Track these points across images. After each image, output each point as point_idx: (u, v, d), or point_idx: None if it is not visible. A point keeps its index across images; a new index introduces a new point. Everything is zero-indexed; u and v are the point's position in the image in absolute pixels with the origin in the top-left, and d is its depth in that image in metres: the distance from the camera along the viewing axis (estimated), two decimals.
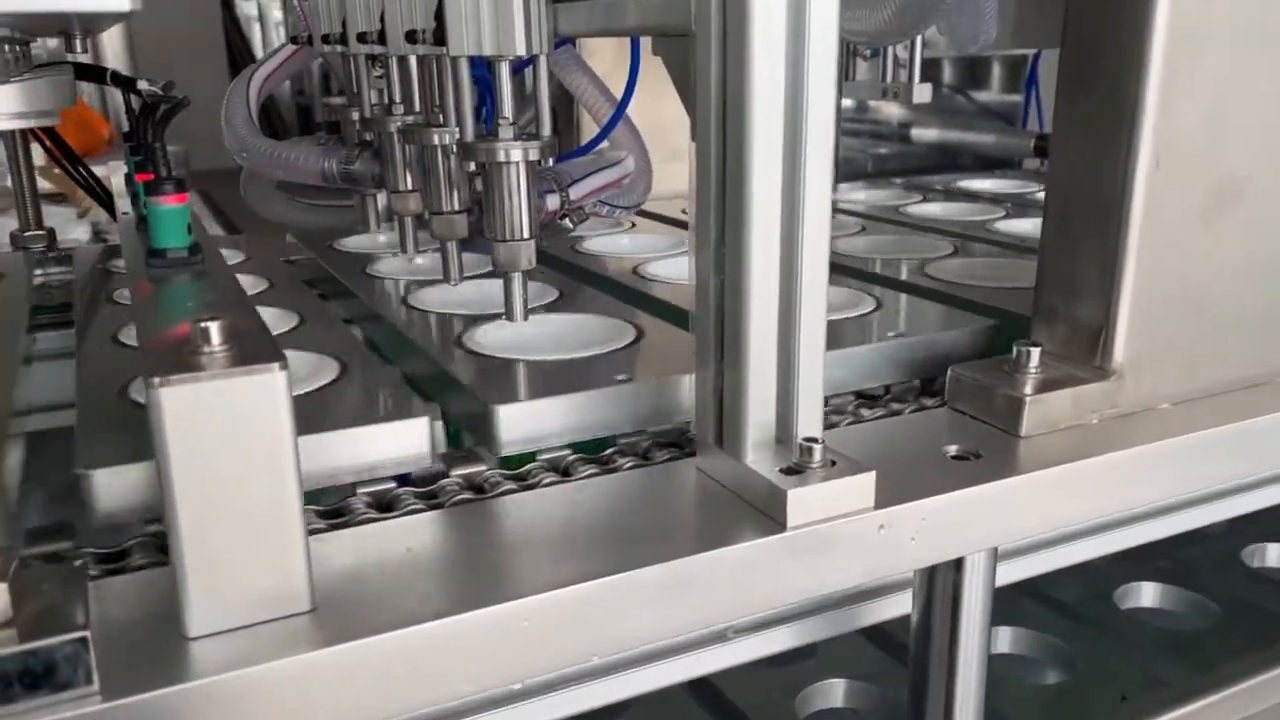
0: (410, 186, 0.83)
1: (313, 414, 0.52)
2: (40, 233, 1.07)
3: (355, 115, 0.90)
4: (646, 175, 0.96)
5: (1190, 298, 0.61)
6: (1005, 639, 0.92)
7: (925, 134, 1.64)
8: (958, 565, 0.56)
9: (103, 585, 0.44)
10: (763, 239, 0.48)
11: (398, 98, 0.81)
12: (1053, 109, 0.61)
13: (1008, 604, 0.83)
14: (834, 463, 0.49)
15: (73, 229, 1.81)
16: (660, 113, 1.21)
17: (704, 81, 0.48)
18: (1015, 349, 0.60)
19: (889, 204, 1.25)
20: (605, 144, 0.90)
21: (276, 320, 0.69)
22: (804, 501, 0.47)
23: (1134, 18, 0.55)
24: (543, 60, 0.61)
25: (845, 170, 1.62)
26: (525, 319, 0.66)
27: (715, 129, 0.48)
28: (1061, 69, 0.60)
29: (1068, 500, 0.56)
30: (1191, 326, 0.61)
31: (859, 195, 1.33)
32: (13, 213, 1.01)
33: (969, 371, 0.61)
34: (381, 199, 0.99)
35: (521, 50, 0.59)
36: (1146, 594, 0.92)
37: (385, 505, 0.52)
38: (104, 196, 1.15)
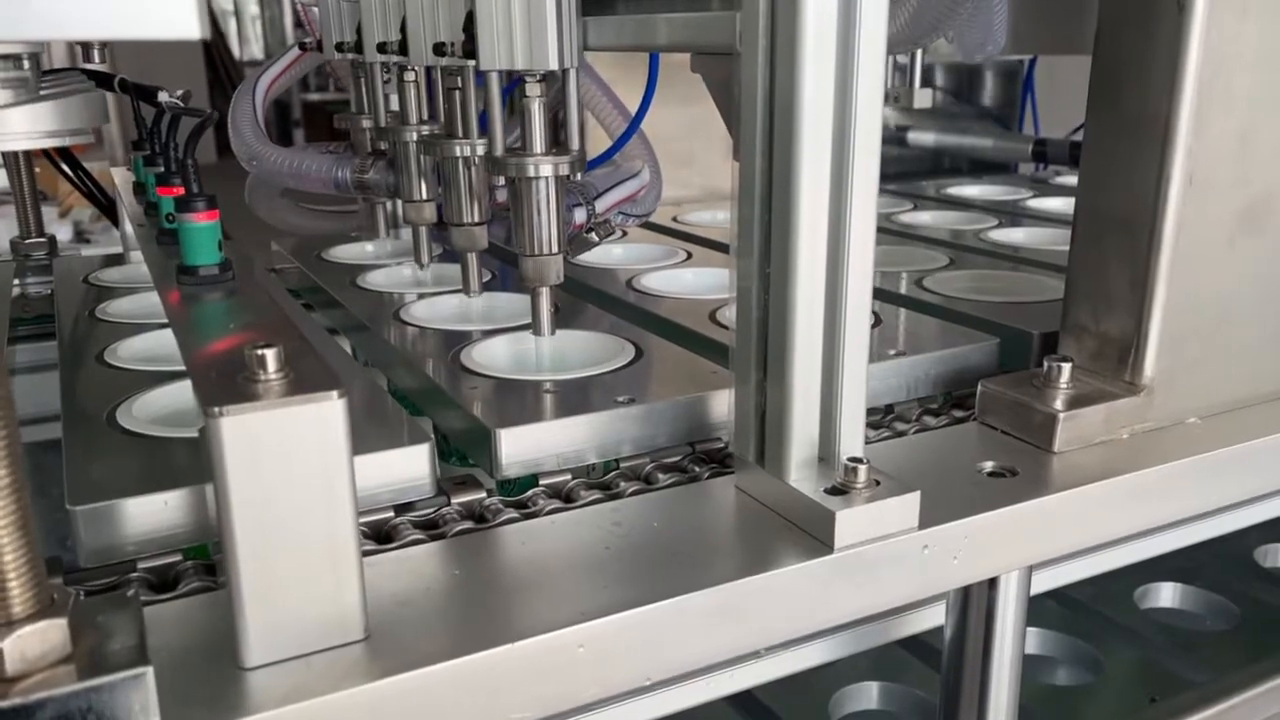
0: (425, 196, 0.82)
1: None
2: (41, 240, 1.05)
3: (367, 124, 0.90)
4: (658, 185, 0.96)
5: (1218, 314, 0.61)
6: (1031, 640, 0.93)
7: (922, 138, 1.64)
8: (992, 582, 0.56)
9: (150, 614, 0.43)
10: (809, 256, 0.48)
11: (413, 107, 0.81)
12: (1082, 120, 0.62)
13: (1032, 606, 0.83)
14: (878, 482, 0.49)
15: (54, 228, 1.78)
16: (657, 121, 1.21)
17: (749, 99, 0.48)
18: (1046, 364, 0.60)
19: (882, 211, 1.25)
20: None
21: None
22: (851, 522, 0.47)
23: (1168, 36, 0.55)
24: (573, 74, 0.61)
25: None
26: (553, 333, 0.66)
27: (761, 145, 0.48)
28: (1092, 85, 0.60)
29: (1102, 516, 0.56)
30: (1219, 342, 0.62)
31: None
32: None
33: (999, 386, 0.61)
34: (390, 206, 0.98)
35: (554, 65, 0.58)
36: (1165, 594, 0.93)
37: (386, 535, 0.51)
38: (104, 203, 1.13)
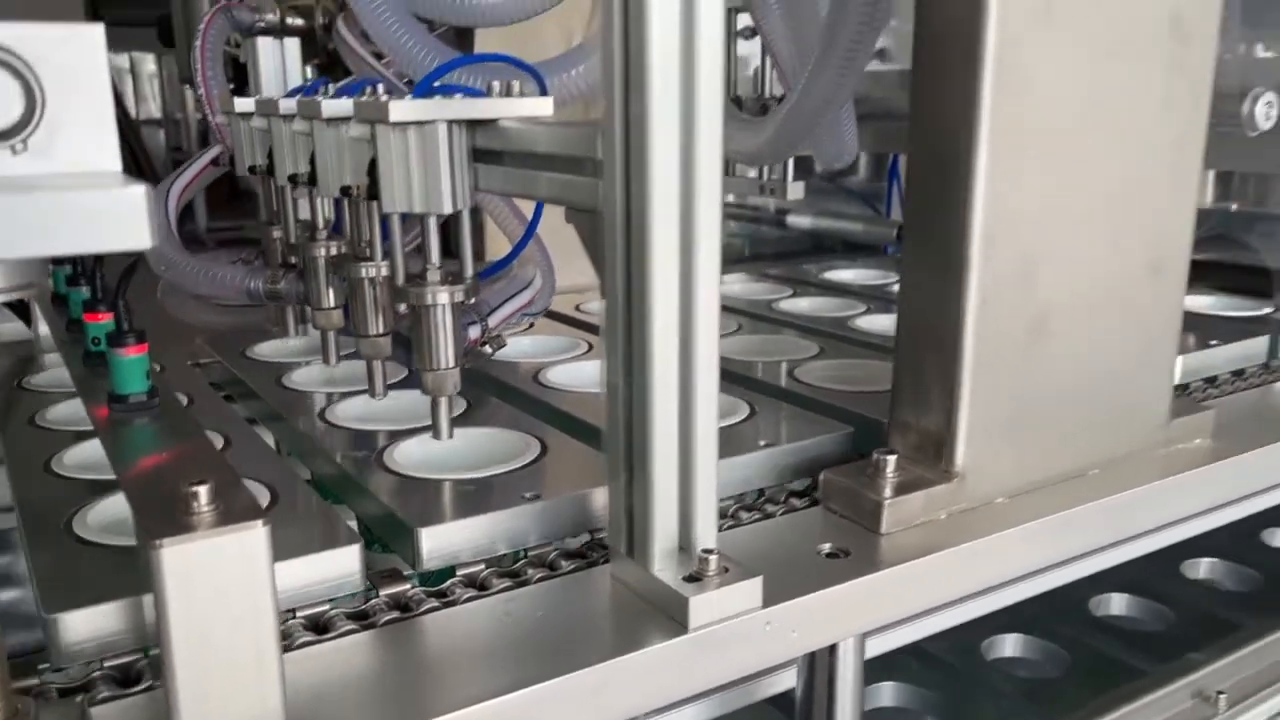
0: (334, 304, 0.89)
1: None
2: None
3: (278, 235, 0.97)
4: (550, 281, 1.05)
5: (1018, 409, 0.73)
6: (889, 694, 1.04)
7: (800, 221, 1.78)
8: (832, 648, 0.65)
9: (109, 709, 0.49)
10: (663, 361, 0.56)
11: (322, 222, 0.88)
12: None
13: (891, 660, 0.93)
14: (727, 569, 0.58)
15: None
16: (557, 211, 1.31)
17: (611, 248, 0.57)
18: (875, 456, 0.71)
19: (764, 298, 1.37)
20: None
21: None
22: (703, 606, 0.56)
23: (959, 195, 0.67)
24: (465, 213, 0.70)
25: (727, 254, 1.75)
26: (451, 436, 0.74)
27: (621, 259, 0.56)
28: (905, 219, 0.72)
29: (923, 587, 0.66)
30: (1020, 433, 0.73)
31: (736, 289, 1.44)
32: None
33: (837, 475, 0.72)
34: (300, 308, 1.05)
35: (448, 209, 0.67)
36: (1009, 645, 1.05)
37: (324, 626, 0.58)
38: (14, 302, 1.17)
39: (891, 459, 0.70)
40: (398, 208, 0.67)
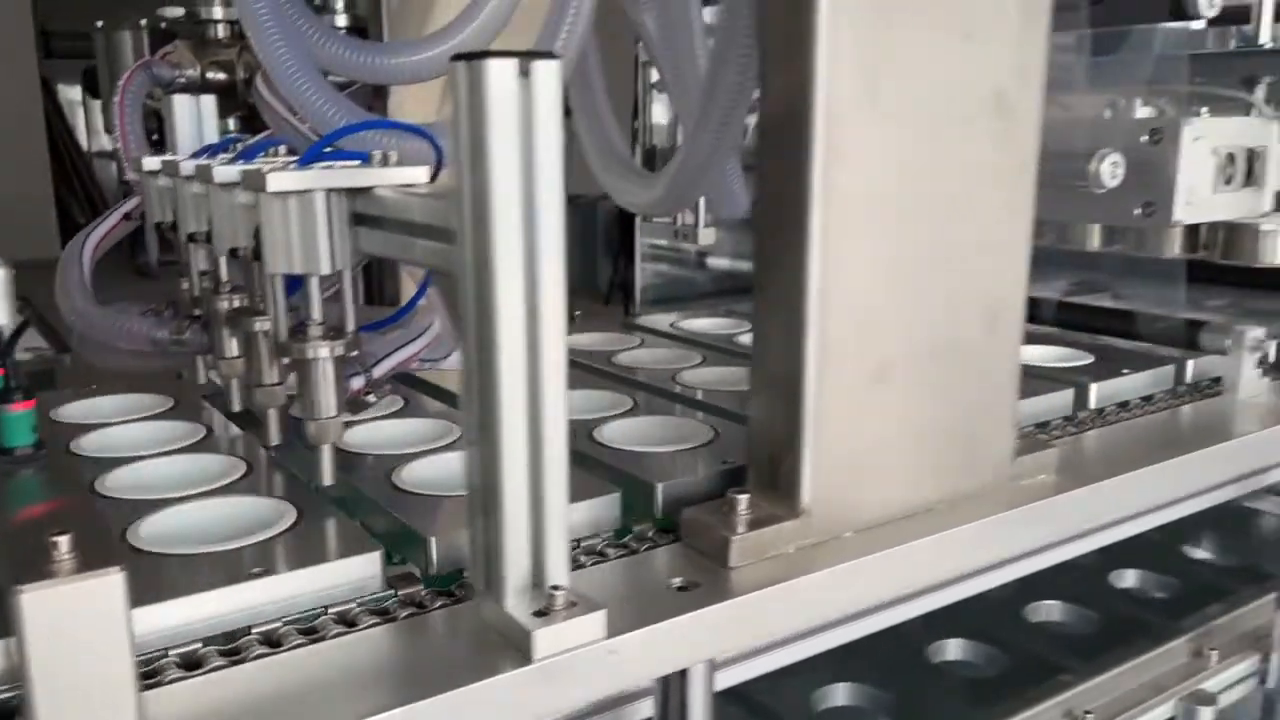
0: (236, 354, 0.94)
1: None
2: None
3: (185, 286, 1.01)
4: (455, 329, 1.10)
5: (861, 450, 0.79)
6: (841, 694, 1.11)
7: (719, 262, 1.85)
8: (683, 674, 0.71)
9: None
10: (512, 424, 0.62)
11: (224, 276, 0.93)
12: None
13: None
14: (575, 604, 0.64)
15: None
16: None
17: (465, 310, 0.62)
18: (728, 494, 0.77)
19: (725, 332, 1.42)
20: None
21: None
22: (547, 638, 0.61)
23: (797, 256, 0.73)
24: (347, 272, 0.75)
25: (652, 295, 1.82)
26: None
27: (474, 345, 0.62)
28: (755, 270, 0.78)
29: (765, 617, 0.72)
30: (865, 473, 0.79)
31: (700, 324, 1.49)
32: None
33: (696, 513, 0.77)
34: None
35: (326, 269, 0.73)
36: (839, 694, 1.11)
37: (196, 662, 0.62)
38: None
39: (744, 497, 0.76)
40: (279, 269, 0.72)
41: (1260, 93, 1.44)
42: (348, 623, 0.67)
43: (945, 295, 0.81)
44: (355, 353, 0.76)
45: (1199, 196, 1.10)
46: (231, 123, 1.44)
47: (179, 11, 1.43)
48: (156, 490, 0.75)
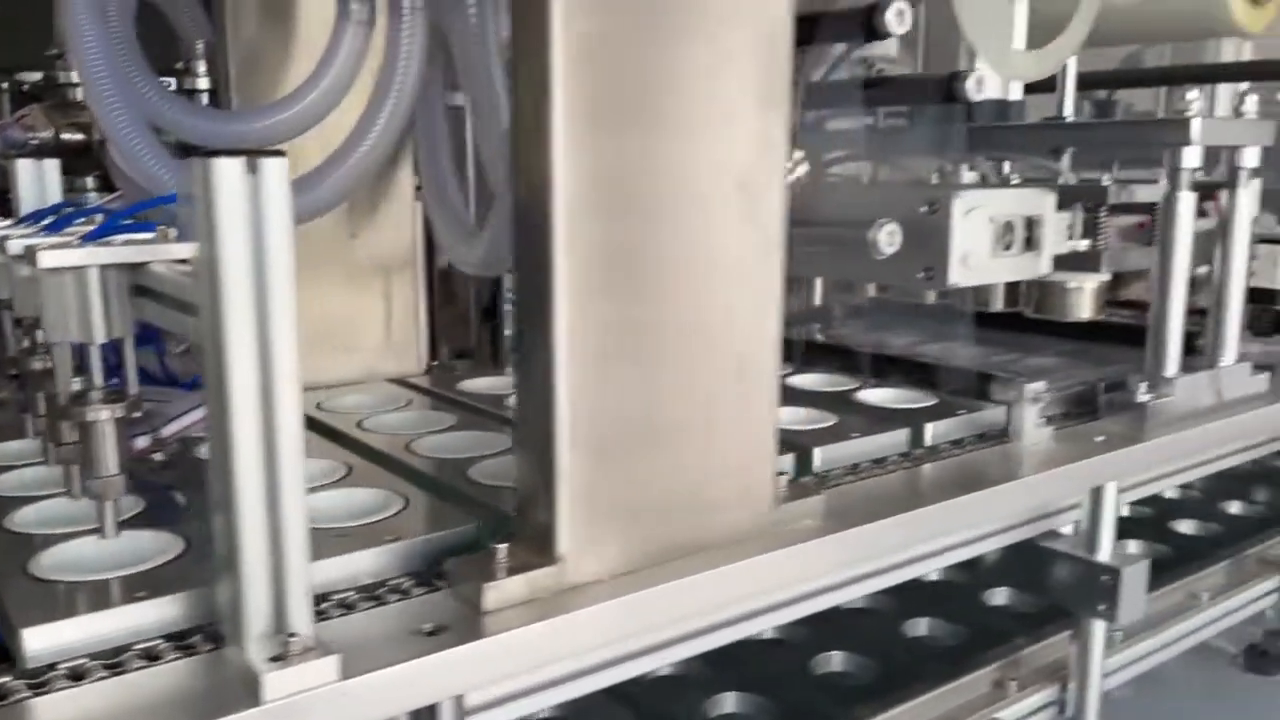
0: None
1: None
2: None
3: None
4: None
5: (618, 502, 0.86)
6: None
7: None
8: (432, 710, 0.77)
9: None
10: (248, 491, 0.68)
11: (40, 339, 0.98)
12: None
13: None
14: (310, 649, 0.69)
15: None
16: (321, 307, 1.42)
17: (208, 379, 0.68)
18: (490, 546, 0.83)
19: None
20: None
21: None
22: (276, 681, 0.67)
23: (544, 323, 0.80)
24: (128, 340, 0.80)
25: None
26: (117, 535, 0.83)
27: (216, 411, 0.68)
28: (511, 343, 0.85)
29: (513, 657, 0.78)
30: (621, 522, 0.86)
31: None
32: None
33: (459, 563, 0.84)
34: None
35: (101, 339, 0.78)
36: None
37: None
38: None
39: (503, 547, 0.83)
40: (56, 337, 0.78)
41: (1065, 160, 1.56)
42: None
43: (698, 357, 0.89)
44: (138, 414, 0.82)
45: (977, 261, 1.20)
46: (90, 181, 1.49)
47: (37, 75, 1.47)
48: None
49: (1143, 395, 1.32)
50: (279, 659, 0.68)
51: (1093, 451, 1.24)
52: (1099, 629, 1.30)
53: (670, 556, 0.89)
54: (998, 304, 1.64)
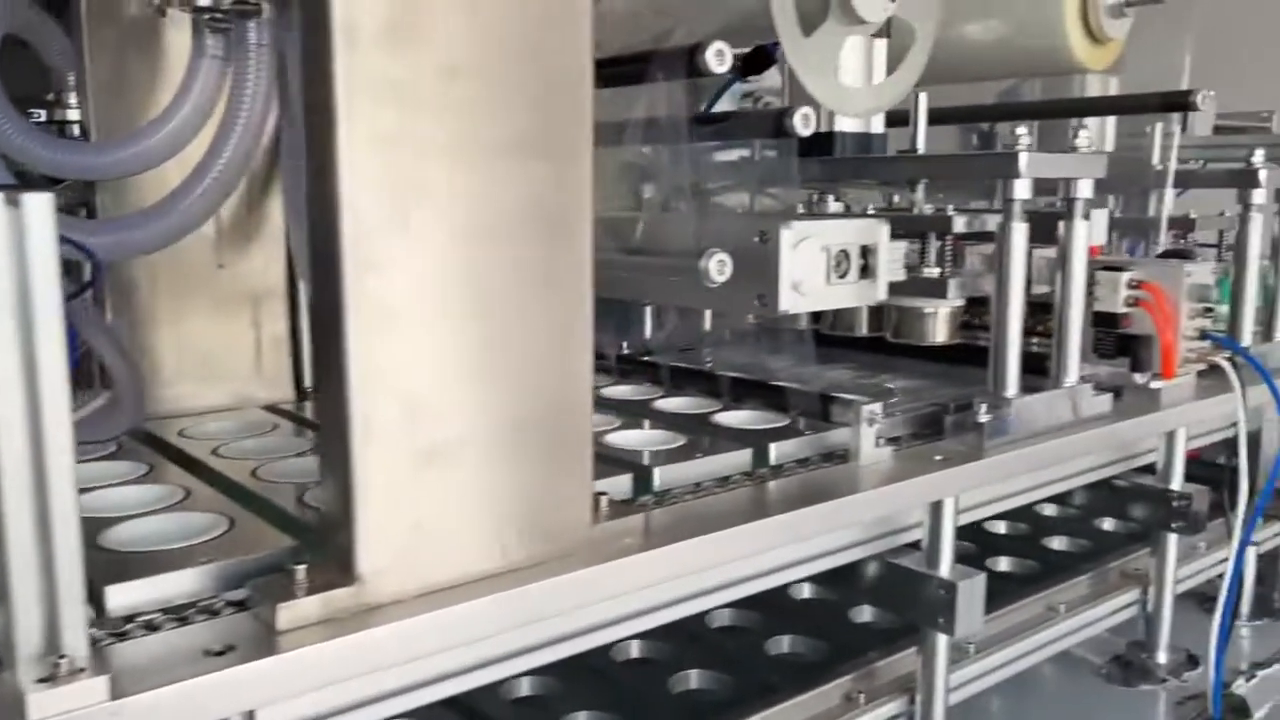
0: None
1: None
2: None
3: None
4: (131, 403, 1.18)
5: (417, 524, 0.88)
6: None
7: None
8: None
9: None
10: (17, 523, 0.70)
11: None
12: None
13: None
14: (81, 670, 0.71)
15: None
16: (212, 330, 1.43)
17: None
18: (286, 566, 0.85)
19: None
20: None
21: None
22: (42, 702, 0.69)
23: (338, 353, 0.83)
24: None
25: None
26: None
27: None
28: (313, 367, 0.88)
29: (304, 676, 0.81)
30: (422, 544, 0.89)
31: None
32: None
33: (259, 583, 0.86)
34: None
35: None
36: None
37: None
38: None
39: (302, 568, 0.85)
40: None
41: (920, 192, 1.63)
42: None
43: (506, 385, 0.92)
44: None
45: (812, 288, 1.25)
46: None
47: None
48: None
49: (983, 416, 1.37)
50: (47, 680, 0.70)
51: (929, 469, 1.29)
52: (942, 642, 1.34)
53: (479, 576, 0.92)
54: (862, 329, 1.70)
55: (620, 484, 1.17)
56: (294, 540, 0.96)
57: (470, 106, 0.87)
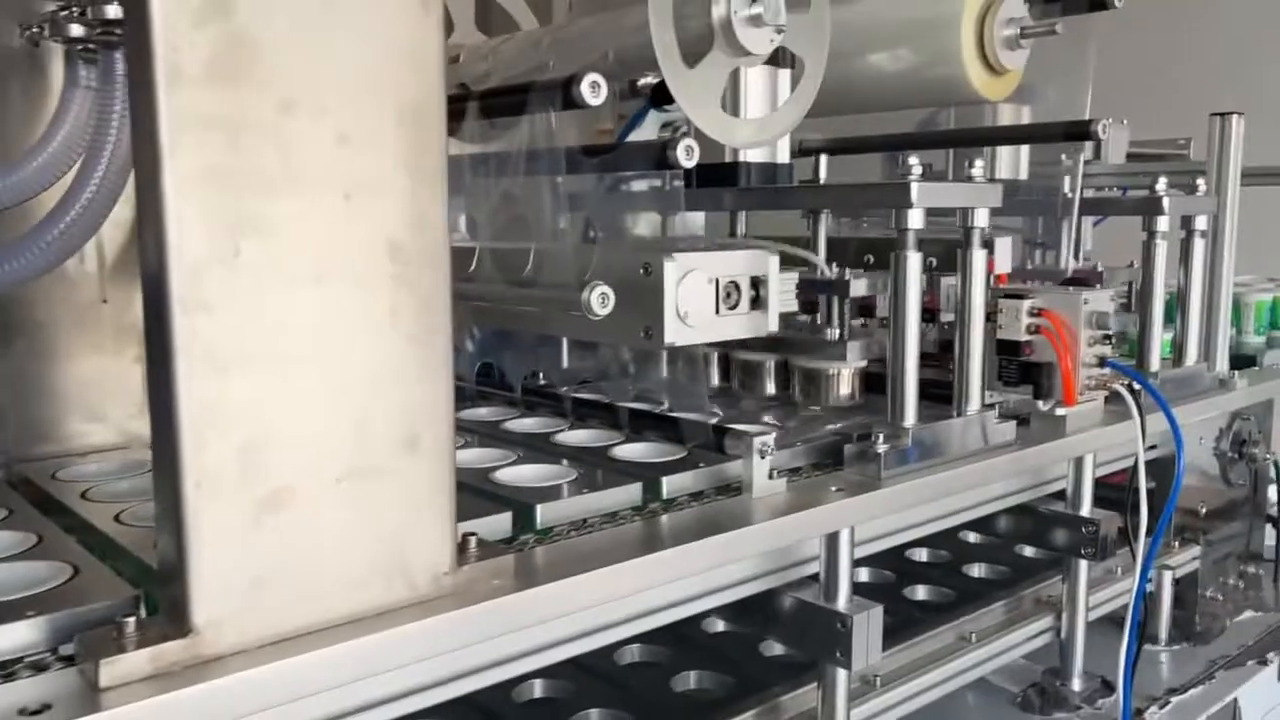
0: None
1: None
2: None
3: None
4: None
5: (259, 573, 0.85)
6: None
7: None
8: None
9: None
10: None
11: None
12: None
13: None
14: None
15: None
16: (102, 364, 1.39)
17: None
18: (115, 622, 0.82)
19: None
20: None
21: None
22: None
23: (169, 397, 0.80)
24: None
25: None
26: None
27: None
28: (150, 415, 0.85)
29: None
30: (265, 593, 0.85)
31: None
32: None
33: (85, 639, 0.82)
34: None
35: None
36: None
37: None
38: None
39: (131, 620, 0.82)
40: None
41: (824, 222, 1.63)
42: None
43: (349, 426, 0.89)
44: None
45: (700, 320, 1.24)
46: None
47: None
48: None
49: (880, 446, 1.36)
50: None
51: (824, 500, 1.28)
52: (841, 676, 1.33)
53: (328, 624, 0.89)
54: (769, 388, 1.68)
55: (499, 523, 1.14)
56: (137, 590, 0.92)
57: (308, 142, 0.84)
